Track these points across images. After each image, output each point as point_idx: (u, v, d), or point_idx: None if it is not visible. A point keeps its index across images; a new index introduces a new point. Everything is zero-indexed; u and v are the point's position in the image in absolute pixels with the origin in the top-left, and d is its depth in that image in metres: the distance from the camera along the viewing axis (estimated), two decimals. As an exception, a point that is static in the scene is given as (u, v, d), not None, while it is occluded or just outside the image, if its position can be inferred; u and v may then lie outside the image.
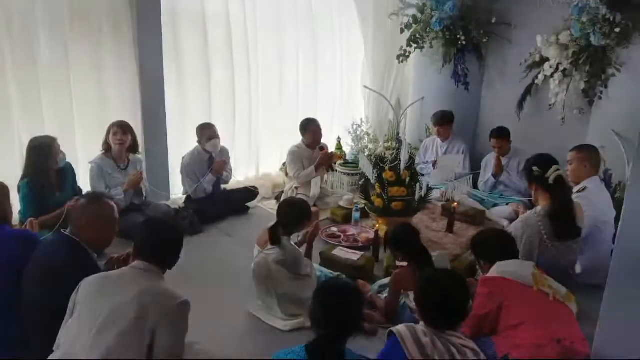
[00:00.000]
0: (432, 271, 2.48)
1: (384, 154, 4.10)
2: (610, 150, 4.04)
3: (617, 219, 3.22)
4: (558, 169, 3.15)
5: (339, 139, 5.69)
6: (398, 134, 4.31)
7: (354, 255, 3.58)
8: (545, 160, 3.22)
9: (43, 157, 3.53)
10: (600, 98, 4.36)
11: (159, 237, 2.16)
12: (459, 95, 5.38)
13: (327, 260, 3.58)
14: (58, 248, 2.33)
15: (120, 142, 3.96)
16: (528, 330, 2.37)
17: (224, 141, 4.64)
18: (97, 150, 4.03)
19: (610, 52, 4.18)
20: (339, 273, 3.32)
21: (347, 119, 5.97)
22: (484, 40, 5.15)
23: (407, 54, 5.41)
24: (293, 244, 3.12)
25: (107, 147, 4.00)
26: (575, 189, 3.46)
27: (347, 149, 5.80)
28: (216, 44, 4.88)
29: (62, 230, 2.40)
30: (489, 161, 4.94)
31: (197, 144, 4.49)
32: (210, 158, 4.51)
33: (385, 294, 3.10)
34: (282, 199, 4.46)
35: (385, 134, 5.99)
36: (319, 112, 5.69)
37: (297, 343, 1.96)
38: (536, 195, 3.27)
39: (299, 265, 3.01)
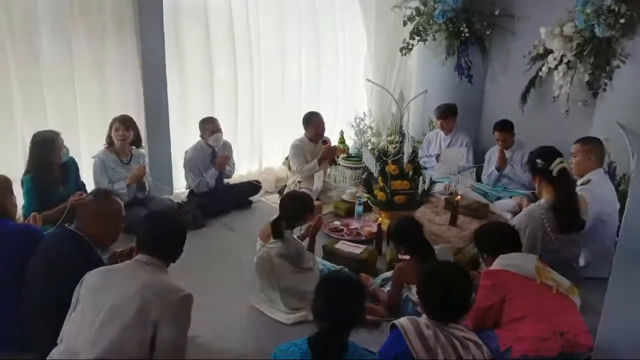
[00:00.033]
0: (435, 264, 2.48)
1: (387, 147, 4.09)
2: (614, 143, 4.01)
3: (621, 212, 3.21)
4: (562, 162, 3.13)
5: (341, 133, 5.68)
6: (401, 127, 4.29)
7: (357, 249, 3.58)
8: (549, 153, 3.21)
9: (46, 152, 3.53)
10: (604, 90, 4.32)
11: (162, 231, 2.17)
12: (462, 88, 5.35)
13: (330, 254, 3.59)
14: (62, 243, 2.34)
15: (122, 138, 3.96)
16: (531, 323, 2.37)
17: (226, 135, 4.64)
18: (100, 145, 4.04)
19: (615, 44, 4.14)
20: (341, 266, 3.32)
21: (350, 113, 5.92)
22: (487, 32, 5.11)
23: (410, 46, 5.38)
24: (296, 237, 3.13)
25: (110, 142, 4.00)
26: (579, 182, 3.44)
27: (349, 142, 5.78)
28: (218, 39, 4.87)
29: (66, 225, 2.40)
30: (493, 154, 4.92)
31: (199, 138, 4.49)
32: (213, 152, 4.50)
33: (388, 287, 3.11)
34: (284, 192, 4.46)
35: (388, 127, 5.97)
36: (322, 105, 5.67)
37: (300, 336, 1.97)
38: (540, 187, 3.26)
39: (301, 259, 3.01)
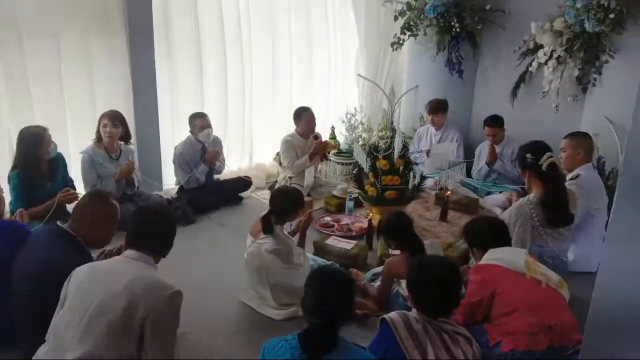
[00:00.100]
0: (425, 257, 2.48)
1: (378, 142, 4.10)
2: (603, 138, 4.04)
3: (609, 207, 3.23)
4: (551, 156, 3.14)
5: (332, 128, 5.66)
6: (392, 122, 4.31)
7: (348, 245, 3.58)
8: (538, 148, 3.22)
9: (34, 147, 3.47)
10: (594, 85, 4.35)
11: (151, 226, 2.14)
12: (453, 83, 5.36)
13: (321, 250, 3.58)
14: (53, 241, 2.31)
15: (110, 135, 3.91)
16: (520, 317, 2.37)
17: (216, 131, 4.61)
18: (88, 141, 3.99)
19: (605, 39, 4.17)
20: (332, 262, 3.31)
21: (341, 108, 5.94)
22: (478, 27, 5.11)
23: (401, 41, 5.36)
24: (286, 233, 3.12)
25: (98, 137, 3.96)
26: (568, 176, 3.46)
27: (340, 138, 5.78)
28: (208, 32, 4.83)
29: (59, 223, 2.37)
30: (483, 149, 4.94)
31: (189, 134, 4.46)
32: (202, 148, 4.47)
33: (378, 282, 3.11)
34: (275, 187, 4.45)
35: (379, 123, 5.98)
36: (313, 100, 5.65)
37: (290, 332, 1.96)
38: (529, 182, 3.27)
39: (292, 255, 3.00)
